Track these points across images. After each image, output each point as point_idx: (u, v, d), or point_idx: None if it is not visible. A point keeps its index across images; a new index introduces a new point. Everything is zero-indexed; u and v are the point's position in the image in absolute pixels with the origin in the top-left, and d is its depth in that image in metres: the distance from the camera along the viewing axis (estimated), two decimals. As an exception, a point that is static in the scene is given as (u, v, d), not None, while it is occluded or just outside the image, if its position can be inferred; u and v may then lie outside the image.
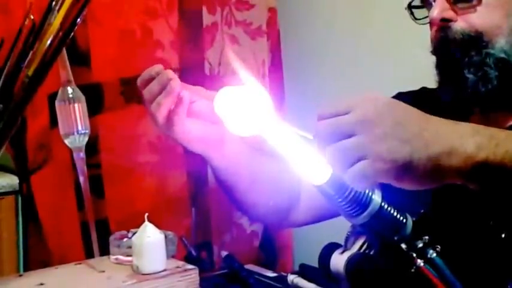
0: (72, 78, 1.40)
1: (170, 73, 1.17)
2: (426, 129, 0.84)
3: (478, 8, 1.15)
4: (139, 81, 1.21)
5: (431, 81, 1.25)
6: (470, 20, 1.15)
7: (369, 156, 0.81)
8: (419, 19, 1.26)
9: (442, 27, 1.18)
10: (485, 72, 1.14)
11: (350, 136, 0.82)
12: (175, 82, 1.17)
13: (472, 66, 1.14)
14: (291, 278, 1.75)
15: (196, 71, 2.24)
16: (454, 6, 1.16)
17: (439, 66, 1.22)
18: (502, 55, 1.14)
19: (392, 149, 0.81)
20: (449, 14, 1.17)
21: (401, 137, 0.82)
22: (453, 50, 1.16)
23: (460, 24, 1.16)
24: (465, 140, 0.84)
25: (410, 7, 1.27)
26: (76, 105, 1.39)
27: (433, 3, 1.19)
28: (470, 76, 1.15)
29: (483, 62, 1.14)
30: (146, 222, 1.29)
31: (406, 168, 0.82)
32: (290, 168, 1.27)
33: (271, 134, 0.86)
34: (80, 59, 2.06)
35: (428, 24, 1.25)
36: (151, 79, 1.19)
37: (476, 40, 1.15)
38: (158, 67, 1.19)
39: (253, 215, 1.46)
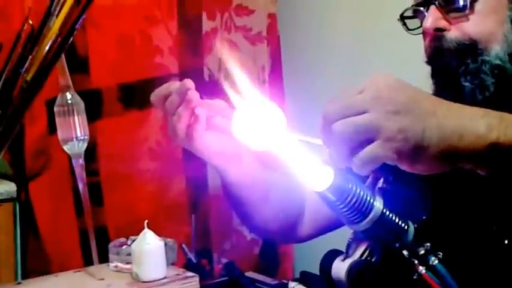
0: (71, 84, 1.39)
1: (188, 83, 1.16)
2: (439, 108, 0.83)
3: (471, 16, 1.15)
4: (154, 95, 1.19)
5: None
6: (464, 28, 1.15)
7: (380, 135, 0.80)
8: (413, 29, 1.25)
9: (436, 36, 1.18)
10: (482, 80, 1.14)
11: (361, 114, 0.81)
12: (193, 92, 1.15)
13: (469, 74, 1.14)
14: (292, 285, 1.75)
15: (195, 77, 2.23)
16: (446, 15, 1.16)
17: (434, 75, 1.21)
18: (498, 62, 1.13)
19: (404, 128, 0.80)
20: (443, 23, 1.16)
21: (414, 115, 0.81)
22: (449, 59, 1.16)
23: (454, 33, 1.16)
24: (476, 120, 0.83)
25: (402, 18, 1.26)
26: (75, 111, 1.38)
27: (426, 13, 1.18)
28: (467, 84, 1.14)
29: (479, 69, 1.13)
30: (146, 229, 1.29)
31: (417, 149, 0.81)
32: (295, 181, 1.27)
33: (275, 140, 0.85)
34: (79, 65, 2.06)
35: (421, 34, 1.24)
36: (169, 94, 1.17)
37: (471, 48, 1.14)
38: (176, 84, 1.17)
39: (261, 230, 1.44)
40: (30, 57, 1.24)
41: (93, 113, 2.04)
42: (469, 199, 1.11)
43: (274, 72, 2.46)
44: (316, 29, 2.49)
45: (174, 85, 1.16)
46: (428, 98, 0.85)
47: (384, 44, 2.16)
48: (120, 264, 1.36)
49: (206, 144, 1.19)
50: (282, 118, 0.88)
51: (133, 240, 1.31)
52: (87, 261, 1.71)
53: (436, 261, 0.85)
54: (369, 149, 0.81)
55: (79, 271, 1.39)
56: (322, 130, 0.84)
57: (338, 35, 2.40)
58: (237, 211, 1.35)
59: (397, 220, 0.85)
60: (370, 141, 0.81)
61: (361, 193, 0.83)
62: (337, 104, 0.83)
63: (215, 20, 2.32)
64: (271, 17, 2.44)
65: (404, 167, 0.83)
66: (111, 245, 1.40)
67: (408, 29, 1.26)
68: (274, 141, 0.86)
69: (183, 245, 2.06)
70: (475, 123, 0.83)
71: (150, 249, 1.27)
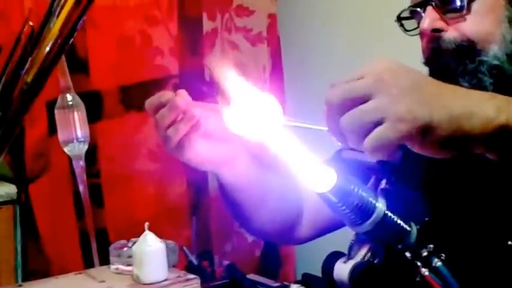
0: (71, 85, 1.39)
1: (183, 100, 1.14)
2: (445, 90, 0.83)
3: (468, 16, 1.14)
4: (148, 104, 1.18)
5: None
6: (462, 28, 1.15)
7: (388, 118, 0.79)
8: (410, 30, 1.25)
9: (434, 37, 1.17)
10: (480, 80, 1.13)
11: (366, 101, 0.80)
12: (196, 109, 1.14)
13: (467, 74, 1.13)
14: (294, 287, 1.74)
15: (196, 78, 2.23)
16: (444, 16, 1.15)
17: (432, 76, 1.20)
18: (496, 62, 1.13)
19: (412, 108, 0.79)
20: (440, 24, 1.16)
21: (420, 96, 0.80)
22: (447, 59, 1.15)
23: (452, 33, 1.15)
24: (483, 103, 0.83)
25: (400, 19, 1.26)
26: (75, 112, 1.38)
27: (423, 14, 1.18)
28: (465, 84, 1.13)
29: (477, 69, 1.13)
30: (147, 231, 1.28)
31: (427, 130, 0.80)
32: (294, 182, 1.25)
33: (275, 141, 0.84)
34: (79, 66, 2.06)
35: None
36: (161, 105, 1.16)
37: (469, 48, 1.14)
38: (169, 95, 1.16)
39: (259, 232, 1.44)
40: (30, 58, 1.24)
41: (94, 114, 2.04)
42: (472, 200, 1.11)
43: (274, 73, 2.45)
44: (317, 28, 2.48)
45: (165, 96, 1.15)
46: (432, 81, 0.84)
47: (384, 44, 2.16)
48: (121, 267, 1.35)
49: (197, 152, 1.18)
50: (277, 108, 0.88)
51: (134, 243, 1.31)
52: (88, 264, 1.71)
53: (439, 263, 0.84)
54: (378, 132, 0.79)
55: (80, 273, 1.39)
56: (327, 118, 0.84)
57: (339, 34, 2.40)
58: (234, 214, 1.34)
59: (399, 221, 0.85)
60: (379, 123, 0.79)
61: (364, 194, 0.83)
62: (339, 90, 0.82)
63: (215, 21, 2.32)
64: (272, 17, 2.43)
65: (415, 148, 0.82)
66: (112, 247, 1.39)
67: (406, 30, 1.25)
68: (272, 131, 0.85)
69: (184, 247, 2.05)
70: (483, 106, 0.82)
71: (151, 251, 1.27)
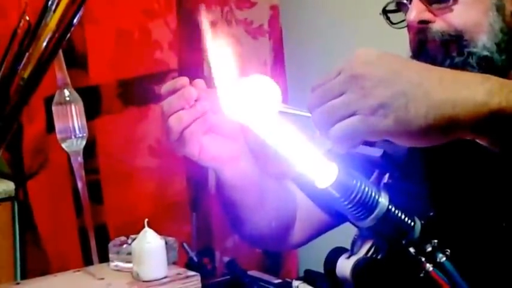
0: (69, 81, 1.38)
1: (195, 91, 1.11)
2: (427, 78, 0.81)
3: (455, 7, 1.12)
4: (164, 88, 1.15)
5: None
6: (449, 19, 1.12)
7: (360, 111, 0.79)
8: (396, 23, 1.23)
9: (420, 29, 1.15)
10: None
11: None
12: (204, 102, 1.11)
13: (455, 67, 1.11)
14: (296, 284, 1.74)
15: (195, 72, 2.22)
16: (430, 7, 1.14)
17: None
18: (485, 53, 1.11)
19: (384, 102, 0.79)
20: (427, 15, 1.14)
21: (396, 86, 0.79)
22: (434, 51, 1.13)
23: (439, 24, 1.13)
24: (473, 87, 0.81)
25: (385, 12, 1.25)
26: (73, 107, 1.37)
27: (409, 6, 1.16)
28: None
29: (465, 62, 1.11)
30: (146, 228, 1.27)
31: (402, 122, 0.79)
32: (289, 185, 1.23)
33: (275, 134, 0.84)
34: (77, 61, 2.05)
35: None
36: (174, 91, 1.13)
37: (457, 39, 1.12)
38: (183, 80, 1.13)
39: (252, 236, 1.41)
40: (27, 54, 1.23)
41: (92, 110, 2.03)
42: (477, 195, 1.09)
43: (276, 67, 2.44)
44: (320, 21, 2.46)
45: (180, 81, 1.12)
46: (415, 69, 0.83)
47: (388, 37, 2.15)
48: (120, 264, 1.35)
49: (201, 148, 1.15)
50: (276, 93, 0.87)
51: (134, 239, 1.30)
52: (87, 261, 1.71)
53: (444, 259, 0.84)
54: (348, 122, 0.80)
55: (78, 271, 1.38)
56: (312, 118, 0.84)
57: (344, 27, 2.38)
58: (229, 214, 1.32)
59: (403, 217, 0.84)
60: (351, 116, 0.80)
61: (366, 189, 0.82)
62: (317, 96, 0.83)
63: (215, 13, 2.31)
64: (274, 9, 2.42)
65: (396, 141, 0.82)
66: (111, 244, 1.39)
67: (392, 23, 1.24)
68: (271, 121, 0.85)
69: (184, 244, 2.04)
70: (472, 91, 0.80)
71: (150, 248, 1.26)
